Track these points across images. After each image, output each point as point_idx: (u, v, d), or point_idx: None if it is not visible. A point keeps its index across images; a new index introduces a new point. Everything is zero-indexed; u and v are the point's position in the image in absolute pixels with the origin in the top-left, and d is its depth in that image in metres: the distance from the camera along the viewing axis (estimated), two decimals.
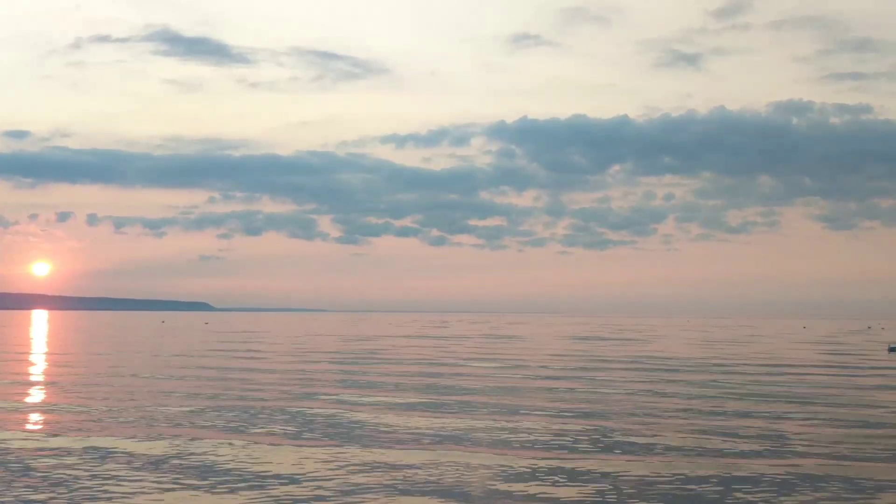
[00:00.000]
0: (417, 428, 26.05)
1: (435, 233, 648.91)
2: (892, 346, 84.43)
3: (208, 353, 69.57)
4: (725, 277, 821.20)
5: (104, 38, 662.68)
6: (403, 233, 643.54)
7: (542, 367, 54.63)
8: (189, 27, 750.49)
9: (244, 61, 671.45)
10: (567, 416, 29.15)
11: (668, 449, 22.55)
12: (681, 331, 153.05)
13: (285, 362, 57.44)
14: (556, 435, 24.85)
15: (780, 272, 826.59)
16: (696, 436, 24.84)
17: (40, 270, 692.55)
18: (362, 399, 34.23)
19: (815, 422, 28.29)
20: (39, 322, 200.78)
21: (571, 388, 39.35)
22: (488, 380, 43.99)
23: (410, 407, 31.60)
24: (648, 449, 22.56)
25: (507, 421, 27.79)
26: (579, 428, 26.28)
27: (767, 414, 30.23)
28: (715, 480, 18.48)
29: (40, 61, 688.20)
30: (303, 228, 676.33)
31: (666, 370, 52.04)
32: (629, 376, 46.93)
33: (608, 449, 22.53)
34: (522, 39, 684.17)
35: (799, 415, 30.09)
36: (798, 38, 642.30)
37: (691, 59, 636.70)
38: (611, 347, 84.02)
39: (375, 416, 28.95)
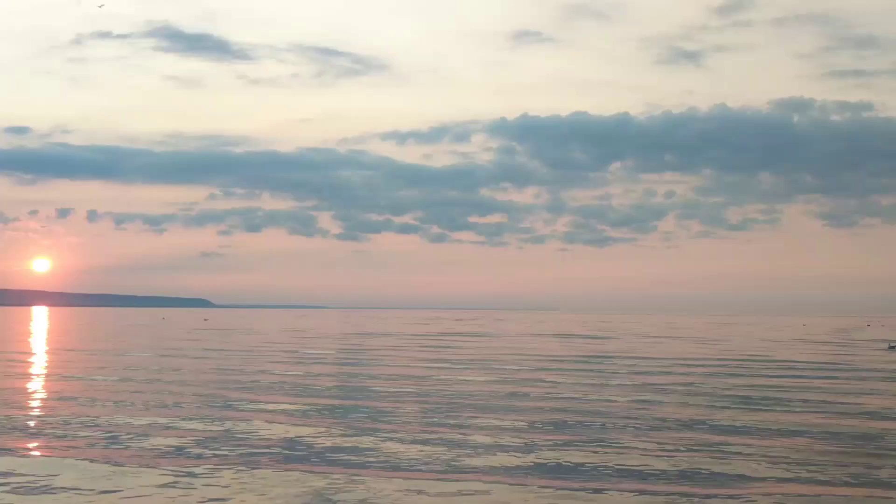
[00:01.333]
0: (324, 445, 23.04)
1: (435, 230, 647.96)
2: (893, 343, 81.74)
3: (180, 351, 66.51)
4: (725, 275, 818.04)
5: (105, 34, 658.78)
6: (404, 230, 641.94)
7: (500, 367, 51.43)
8: (190, 23, 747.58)
9: (245, 57, 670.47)
10: (494, 428, 26.11)
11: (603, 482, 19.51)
12: (673, 328, 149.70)
13: (239, 362, 54.42)
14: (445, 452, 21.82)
15: (780, 269, 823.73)
16: (641, 455, 21.80)
17: (40, 267, 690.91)
18: (275, 408, 31.22)
19: (801, 437, 24.99)
20: (28, 319, 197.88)
21: (516, 393, 36.27)
22: (423, 383, 40.93)
23: (318, 416, 28.62)
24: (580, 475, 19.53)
25: (429, 434, 24.77)
26: (485, 442, 23.25)
27: (743, 426, 27.09)
28: None
29: (41, 57, 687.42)
30: (303, 225, 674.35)
31: (636, 373, 48.87)
32: (587, 378, 43.77)
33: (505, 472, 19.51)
34: (523, 36, 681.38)
35: (778, 426, 26.62)
36: (799, 35, 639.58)
37: (692, 57, 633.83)
38: (587, 345, 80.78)
39: (272, 428, 25.93)
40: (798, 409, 30.70)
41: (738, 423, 26.87)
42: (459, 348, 74.46)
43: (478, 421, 27.12)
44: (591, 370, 49.37)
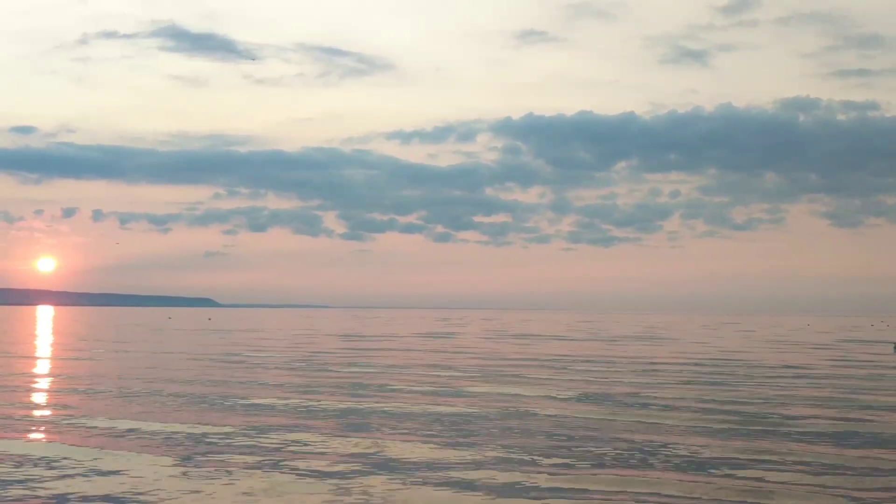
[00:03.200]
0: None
1: (440, 229, 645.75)
2: None
3: (134, 351, 63.20)
4: (730, 274, 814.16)
5: (110, 34, 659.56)
6: (408, 229, 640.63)
7: (448, 372, 47.85)
8: (195, 23, 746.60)
9: (250, 57, 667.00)
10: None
11: None
12: (663, 328, 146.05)
13: (192, 367, 51.05)
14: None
15: (784, 269, 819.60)
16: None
17: (45, 266, 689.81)
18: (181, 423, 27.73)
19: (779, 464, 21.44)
20: (22, 318, 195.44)
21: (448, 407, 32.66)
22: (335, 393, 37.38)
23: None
24: None
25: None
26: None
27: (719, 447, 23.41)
28: None
29: (46, 56, 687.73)
30: (308, 224, 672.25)
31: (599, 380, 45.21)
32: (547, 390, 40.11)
33: None
34: (528, 35, 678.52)
35: (761, 452, 23.14)
36: (804, 34, 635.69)
37: (697, 56, 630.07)
38: (542, 347, 77.17)
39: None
40: (780, 424, 26.99)
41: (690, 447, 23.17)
42: (411, 351, 71.00)
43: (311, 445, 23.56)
44: (523, 376, 45.79)
